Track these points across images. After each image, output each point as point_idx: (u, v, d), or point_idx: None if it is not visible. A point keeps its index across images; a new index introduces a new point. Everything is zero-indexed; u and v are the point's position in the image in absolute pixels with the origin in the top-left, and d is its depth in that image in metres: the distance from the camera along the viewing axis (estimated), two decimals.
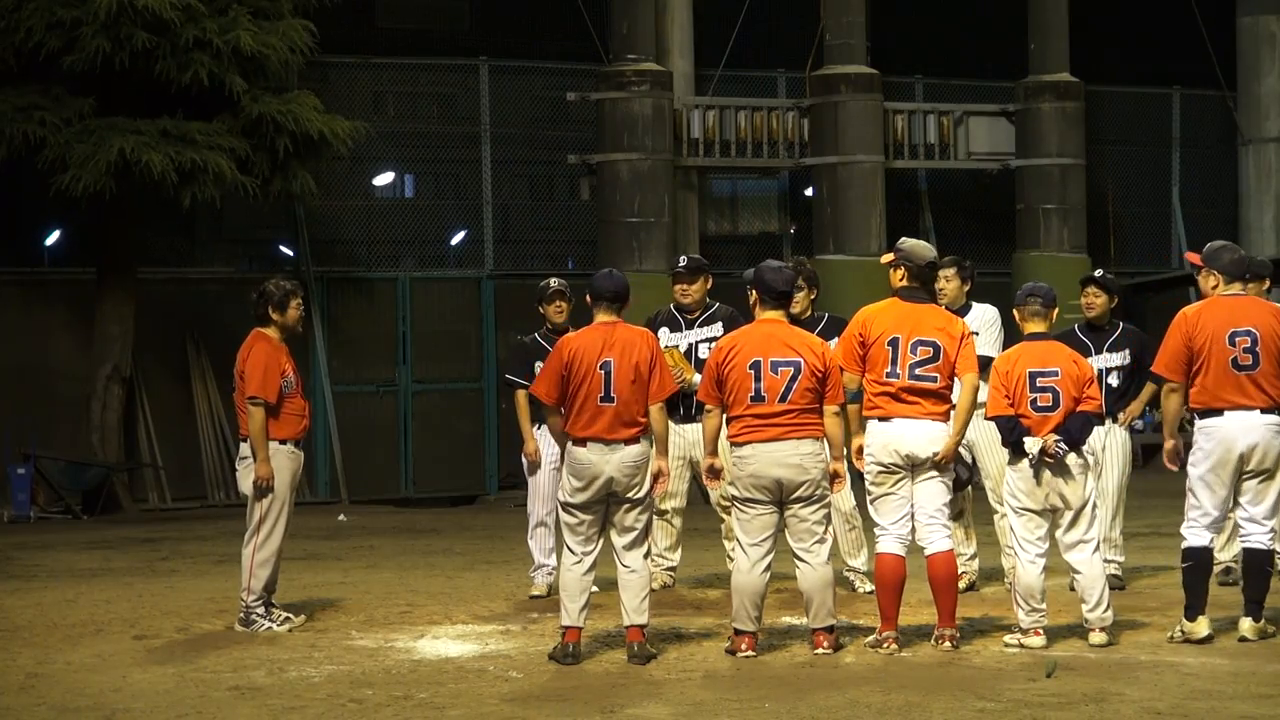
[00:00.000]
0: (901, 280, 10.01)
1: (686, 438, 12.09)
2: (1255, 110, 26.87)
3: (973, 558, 11.98)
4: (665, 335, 12.19)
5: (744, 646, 9.73)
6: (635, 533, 9.88)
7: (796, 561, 9.82)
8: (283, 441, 10.92)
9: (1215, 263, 10.19)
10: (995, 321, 11.93)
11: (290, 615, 11.03)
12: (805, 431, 9.72)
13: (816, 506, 9.76)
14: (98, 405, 20.30)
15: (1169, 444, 10.17)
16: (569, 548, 9.92)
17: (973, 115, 24.97)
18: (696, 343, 12.20)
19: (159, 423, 21.22)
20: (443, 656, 9.97)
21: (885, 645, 9.74)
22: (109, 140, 18.87)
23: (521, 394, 11.78)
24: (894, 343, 9.82)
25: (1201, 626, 9.90)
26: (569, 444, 9.85)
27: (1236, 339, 9.96)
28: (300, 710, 8.52)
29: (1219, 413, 9.95)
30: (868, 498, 10.00)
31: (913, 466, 9.83)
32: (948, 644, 9.76)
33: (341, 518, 19.67)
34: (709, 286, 12.27)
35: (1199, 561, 9.99)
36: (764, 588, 9.79)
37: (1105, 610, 9.96)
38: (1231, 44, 26.87)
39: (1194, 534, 10.03)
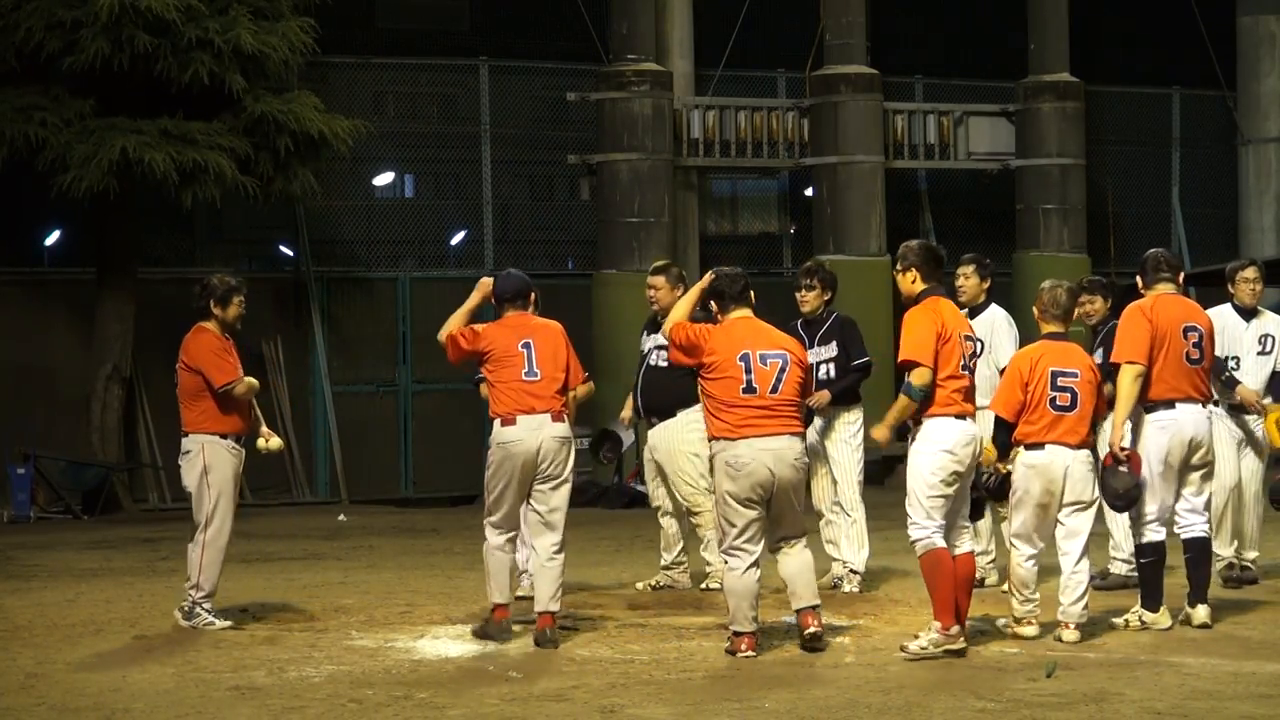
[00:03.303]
0: (915, 283, 9.89)
1: (649, 440, 12.30)
2: (1255, 110, 26.86)
3: (985, 552, 11.96)
4: (643, 338, 12.32)
5: (744, 647, 9.73)
6: (556, 514, 10.30)
7: (778, 554, 9.88)
8: (223, 436, 10.94)
9: (1140, 268, 10.66)
10: (1012, 324, 11.97)
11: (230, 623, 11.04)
12: (796, 426, 9.84)
13: (800, 501, 9.92)
14: (98, 405, 20.29)
15: (1119, 435, 10.15)
16: (495, 532, 10.46)
17: (973, 115, 24.96)
18: (654, 348, 12.20)
19: (159, 423, 21.21)
20: (443, 656, 9.97)
21: (957, 642, 9.60)
22: (109, 140, 18.87)
23: None
24: (965, 339, 9.87)
25: (1164, 618, 10.28)
26: (496, 425, 10.25)
27: (1189, 333, 10.36)
28: (300, 710, 8.52)
29: (1171, 405, 10.26)
30: (928, 493, 9.65)
31: (969, 468, 9.86)
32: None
33: (341, 518, 19.67)
34: (678, 291, 12.19)
35: (1160, 556, 10.31)
36: (758, 586, 9.80)
37: (1084, 607, 10.06)
38: (1231, 44, 26.86)
39: (1151, 530, 10.31)
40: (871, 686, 8.84)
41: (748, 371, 9.71)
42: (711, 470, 9.92)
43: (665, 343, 11.87)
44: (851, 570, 12.07)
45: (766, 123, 23.87)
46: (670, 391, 11.94)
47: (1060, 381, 9.97)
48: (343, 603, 12.04)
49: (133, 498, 20.70)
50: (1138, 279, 10.64)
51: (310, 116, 19.81)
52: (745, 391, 9.69)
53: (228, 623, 10.96)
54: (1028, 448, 10.02)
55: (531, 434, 10.20)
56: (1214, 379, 11.51)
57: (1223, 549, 11.83)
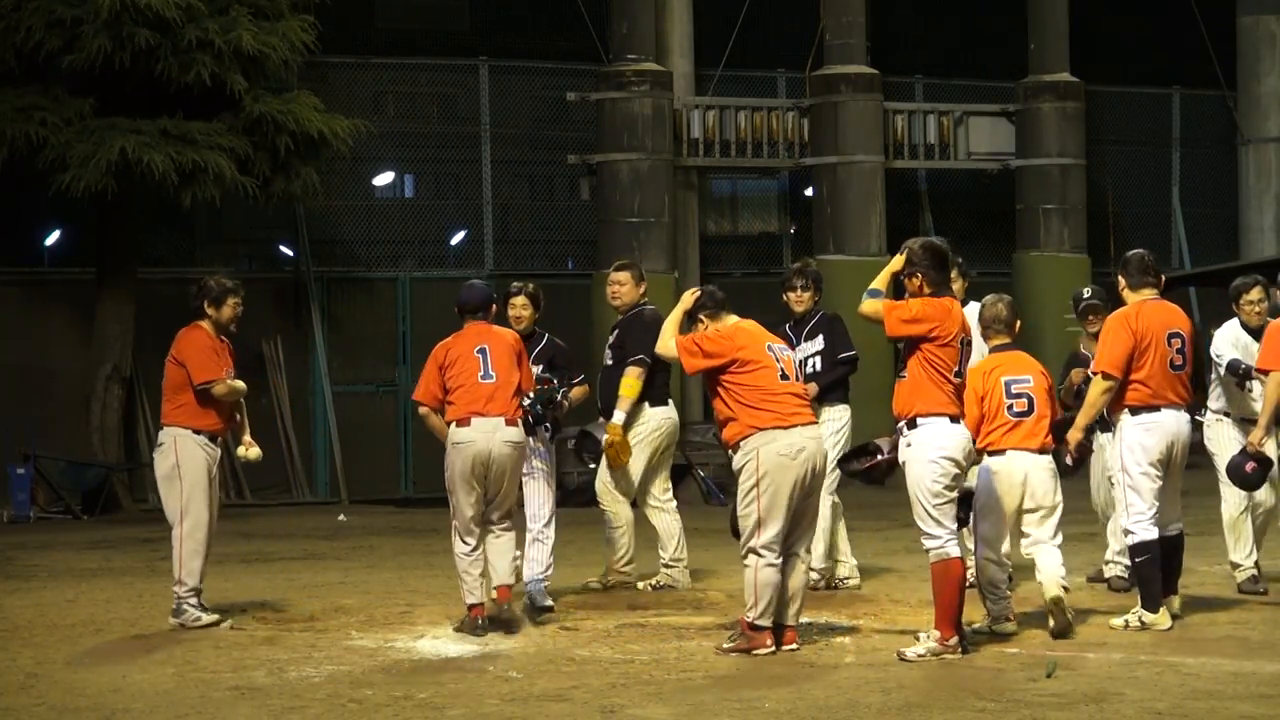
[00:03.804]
0: (922, 289, 9.78)
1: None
2: (1255, 110, 26.86)
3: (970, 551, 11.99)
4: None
5: (768, 642, 9.70)
6: (506, 507, 10.67)
7: (795, 557, 9.80)
8: (196, 431, 10.98)
9: (1122, 268, 10.75)
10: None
11: (219, 617, 11.06)
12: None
13: (819, 497, 9.92)
14: (98, 405, 20.30)
15: (1079, 436, 10.53)
16: (461, 539, 10.58)
17: (973, 115, 24.97)
18: (607, 348, 12.34)
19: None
20: (443, 656, 9.97)
21: (954, 653, 9.60)
22: (109, 140, 18.88)
23: None
24: (965, 344, 9.82)
25: (1164, 618, 10.36)
26: (451, 426, 10.52)
27: (1172, 340, 10.50)
28: (300, 710, 8.51)
29: (1157, 409, 10.43)
30: (933, 501, 9.61)
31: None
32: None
33: (341, 518, 19.68)
34: (641, 289, 12.35)
35: (1155, 555, 10.40)
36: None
37: (1060, 565, 10.26)
38: (1231, 44, 26.86)
39: (1144, 529, 10.41)
40: (871, 686, 8.84)
41: (777, 361, 9.80)
42: (742, 468, 9.73)
43: (610, 343, 12.15)
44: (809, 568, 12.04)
45: (766, 123, 23.88)
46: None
47: (1015, 389, 10.24)
48: (343, 603, 12.04)
49: (133, 498, 20.70)
50: (1120, 278, 10.75)
51: (310, 116, 19.83)
52: (783, 378, 9.76)
53: (215, 616, 10.94)
54: (990, 454, 10.20)
55: (484, 436, 10.47)
56: (1230, 378, 11.60)
57: (1242, 559, 11.83)
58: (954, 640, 9.56)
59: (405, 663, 9.78)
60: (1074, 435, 10.54)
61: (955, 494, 9.71)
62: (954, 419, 9.68)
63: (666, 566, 12.41)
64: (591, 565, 13.58)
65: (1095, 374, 10.55)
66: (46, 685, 9.25)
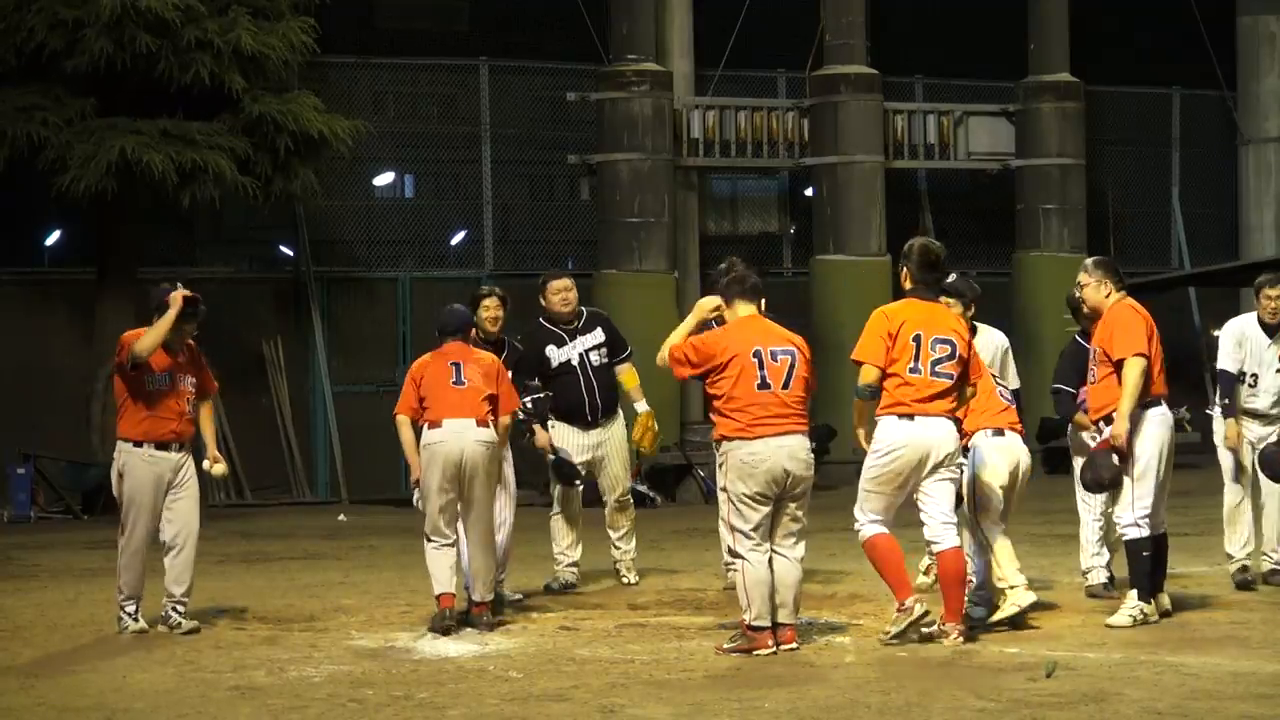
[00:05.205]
0: (905, 281, 10.04)
1: (589, 440, 12.55)
2: (1255, 110, 26.86)
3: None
4: (553, 352, 12.53)
5: (769, 643, 9.71)
6: (482, 527, 10.86)
7: (776, 555, 9.81)
8: (138, 444, 10.74)
9: (1103, 271, 10.77)
10: (1008, 349, 11.77)
11: (193, 626, 10.92)
12: (805, 424, 9.89)
13: (804, 500, 9.87)
14: (98, 405, 20.30)
15: (1125, 425, 10.25)
16: (434, 538, 10.87)
17: (973, 115, 24.96)
18: (586, 351, 12.56)
19: None
20: (443, 656, 9.98)
21: (920, 616, 9.80)
22: (109, 140, 18.90)
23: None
24: (917, 339, 9.79)
25: (1164, 601, 10.57)
26: (424, 430, 10.74)
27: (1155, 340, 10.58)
28: (300, 710, 8.51)
29: (1159, 402, 10.49)
30: (864, 488, 9.89)
31: (930, 466, 9.86)
32: (958, 637, 9.79)
33: (341, 518, 19.68)
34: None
35: (1156, 549, 10.46)
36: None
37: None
38: (1231, 44, 26.86)
39: (1147, 524, 10.41)
40: (871, 686, 8.84)
41: (761, 368, 9.72)
42: (717, 470, 9.91)
43: (598, 343, 12.46)
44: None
45: (766, 123, 23.88)
46: (616, 388, 12.71)
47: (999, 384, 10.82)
48: (343, 603, 12.06)
49: None
50: (1105, 284, 10.76)
51: (310, 116, 19.85)
52: (760, 388, 9.69)
53: (142, 625, 10.81)
54: (991, 434, 10.46)
55: (455, 436, 10.67)
56: (1225, 392, 11.64)
57: (1235, 551, 11.83)
58: (909, 602, 9.79)
59: (405, 663, 9.78)
60: (1120, 425, 10.23)
61: (890, 486, 9.86)
62: (902, 416, 9.80)
63: (574, 565, 12.70)
64: (594, 565, 13.59)
65: (1124, 358, 10.32)
66: (46, 685, 9.25)
